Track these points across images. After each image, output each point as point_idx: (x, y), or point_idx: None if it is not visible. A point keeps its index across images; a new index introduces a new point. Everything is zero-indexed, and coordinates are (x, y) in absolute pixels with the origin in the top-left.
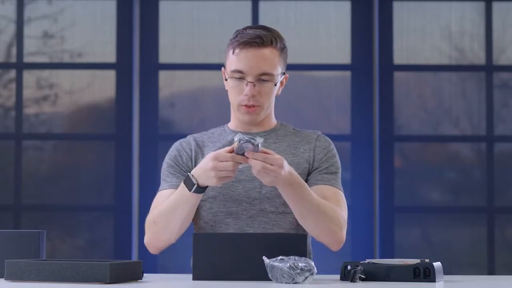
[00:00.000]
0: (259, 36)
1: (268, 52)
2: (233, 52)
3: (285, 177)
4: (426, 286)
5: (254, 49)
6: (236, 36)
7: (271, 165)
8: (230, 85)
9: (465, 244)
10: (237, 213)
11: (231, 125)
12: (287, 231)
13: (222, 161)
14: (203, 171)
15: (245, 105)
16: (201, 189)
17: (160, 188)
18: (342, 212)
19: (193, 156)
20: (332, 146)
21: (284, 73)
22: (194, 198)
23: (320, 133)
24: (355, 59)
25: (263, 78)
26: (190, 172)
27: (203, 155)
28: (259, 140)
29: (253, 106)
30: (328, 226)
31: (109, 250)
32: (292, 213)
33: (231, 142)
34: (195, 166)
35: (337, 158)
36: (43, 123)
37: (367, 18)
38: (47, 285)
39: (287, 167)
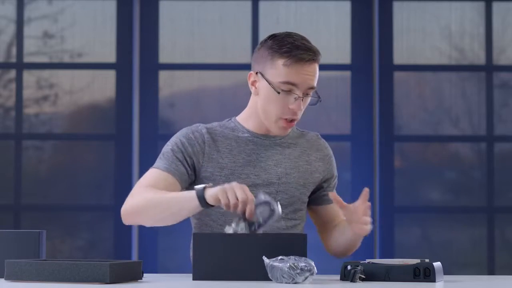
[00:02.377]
0: (314, 53)
1: (316, 67)
2: (284, 63)
3: None
4: (426, 286)
5: (309, 64)
6: (283, 46)
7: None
8: (274, 95)
9: (465, 244)
10: None
11: (246, 123)
12: None
13: (244, 192)
14: (219, 187)
15: (286, 119)
16: (204, 201)
17: (155, 165)
18: None
19: (206, 150)
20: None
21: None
22: (192, 205)
23: (319, 135)
24: (355, 59)
25: (308, 92)
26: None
27: (217, 151)
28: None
29: (293, 120)
30: (355, 248)
31: (109, 250)
32: (300, 221)
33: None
34: (207, 160)
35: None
36: (43, 123)
37: (367, 18)
38: (47, 285)
39: None
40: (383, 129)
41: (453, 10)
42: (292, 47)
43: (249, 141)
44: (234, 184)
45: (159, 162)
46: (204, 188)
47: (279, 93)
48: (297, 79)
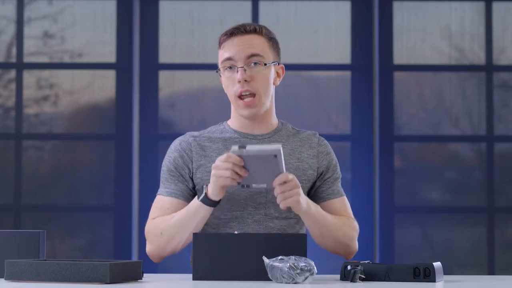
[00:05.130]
0: (242, 25)
1: (253, 37)
2: (220, 47)
3: (303, 199)
4: (426, 286)
5: (239, 36)
6: (223, 35)
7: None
8: (224, 78)
9: (465, 244)
10: (242, 217)
11: (232, 124)
12: None
13: (221, 162)
14: (210, 183)
15: (242, 97)
16: (210, 201)
17: (159, 192)
18: (354, 221)
19: (193, 158)
20: (331, 149)
21: (278, 63)
22: (202, 210)
23: (318, 134)
24: (355, 59)
25: (253, 60)
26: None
27: (205, 156)
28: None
29: (250, 95)
30: (345, 242)
31: (109, 250)
32: (296, 219)
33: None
34: (195, 167)
35: (337, 160)
36: (43, 123)
37: (367, 18)
38: (47, 285)
39: (302, 194)
40: (383, 129)
41: (453, 10)
42: (227, 30)
43: (236, 142)
44: (215, 168)
45: (161, 186)
46: (203, 192)
47: (225, 70)
48: (231, 51)
